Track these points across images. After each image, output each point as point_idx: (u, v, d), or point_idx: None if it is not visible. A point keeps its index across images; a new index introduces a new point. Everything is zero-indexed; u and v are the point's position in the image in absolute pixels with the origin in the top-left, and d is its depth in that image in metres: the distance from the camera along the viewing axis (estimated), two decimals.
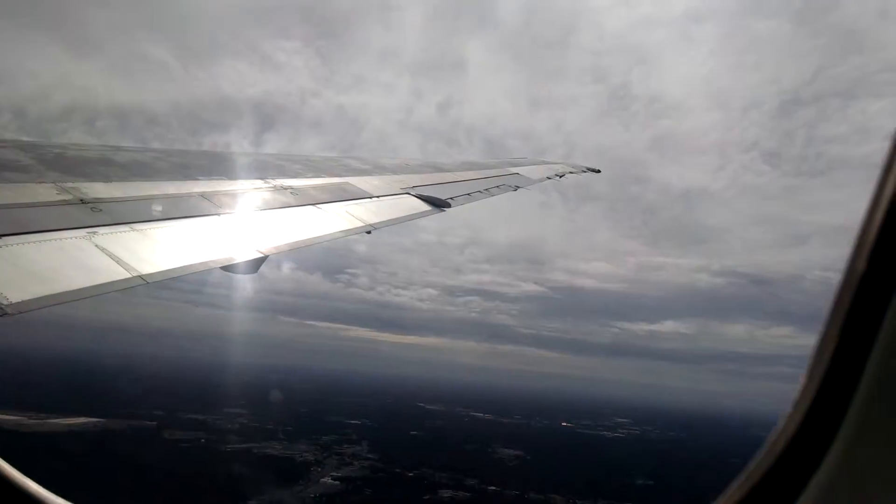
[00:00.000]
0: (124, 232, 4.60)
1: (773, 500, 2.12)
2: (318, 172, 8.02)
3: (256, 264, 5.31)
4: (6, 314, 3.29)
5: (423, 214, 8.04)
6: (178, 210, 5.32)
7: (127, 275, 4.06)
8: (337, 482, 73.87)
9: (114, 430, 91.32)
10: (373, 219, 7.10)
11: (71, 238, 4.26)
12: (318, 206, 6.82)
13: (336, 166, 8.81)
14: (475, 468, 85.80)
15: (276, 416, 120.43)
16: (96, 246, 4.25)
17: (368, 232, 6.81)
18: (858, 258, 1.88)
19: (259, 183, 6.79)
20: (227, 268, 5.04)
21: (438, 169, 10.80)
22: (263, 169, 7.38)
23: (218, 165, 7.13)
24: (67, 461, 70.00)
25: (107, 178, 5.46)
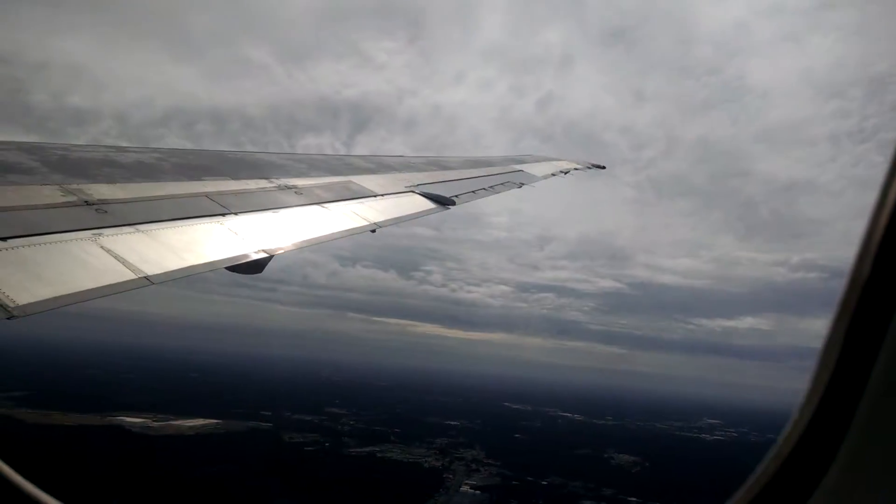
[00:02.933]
0: (129, 233, 4.59)
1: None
2: (322, 171, 7.99)
3: (262, 264, 5.27)
4: (13, 316, 3.28)
5: (427, 212, 8.07)
6: (182, 211, 5.28)
7: (132, 276, 4.05)
8: (478, 492, 72.83)
9: (237, 433, 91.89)
10: (378, 217, 7.11)
11: (76, 240, 4.25)
12: (322, 205, 6.81)
13: (340, 165, 8.75)
14: (603, 477, 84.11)
15: (376, 417, 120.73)
16: (101, 247, 4.24)
17: (373, 231, 6.80)
18: (863, 262, 1.93)
19: (263, 183, 6.75)
20: (233, 268, 4.97)
21: (443, 167, 10.69)
22: (268, 168, 7.34)
23: (222, 165, 7.02)
24: (226, 467, 70.68)
25: (111, 180, 5.40)
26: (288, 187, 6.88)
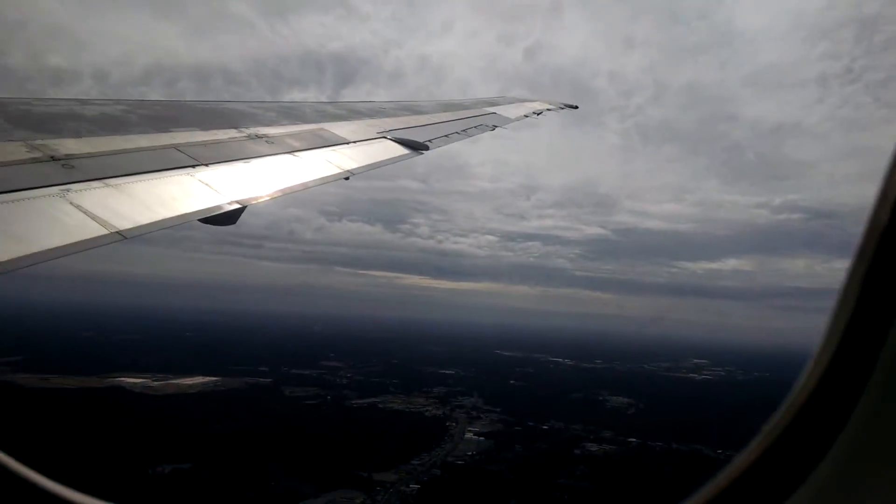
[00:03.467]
0: (98, 188, 4.53)
1: (766, 492, 2.03)
2: (293, 119, 7.90)
3: (235, 215, 5.25)
4: None
5: (401, 158, 8.05)
6: (152, 163, 5.20)
7: (104, 231, 4.02)
8: (482, 438, 74.37)
9: (238, 389, 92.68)
10: (350, 164, 7.07)
11: (44, 196, 4.17)
12: (294, 153, 6.75)
13: (311, 112, 8.67)
14: (601, 419, 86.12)
15: (373, 369, 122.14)
16: (71, 203, 4.18)
17: (347, 178, 6.79)
18: (864, 255, 1.87)
19: (233, 132, 6.67)
20: (206, 220, 4.96)
21: (415, 111, 10.61)
22: (238, 118, 7.25)
23: (190, 116, 6.92)
24: (234, 423, 71.45)
25: (77, 134, 5.30)
26: (258, 136, 6.82)
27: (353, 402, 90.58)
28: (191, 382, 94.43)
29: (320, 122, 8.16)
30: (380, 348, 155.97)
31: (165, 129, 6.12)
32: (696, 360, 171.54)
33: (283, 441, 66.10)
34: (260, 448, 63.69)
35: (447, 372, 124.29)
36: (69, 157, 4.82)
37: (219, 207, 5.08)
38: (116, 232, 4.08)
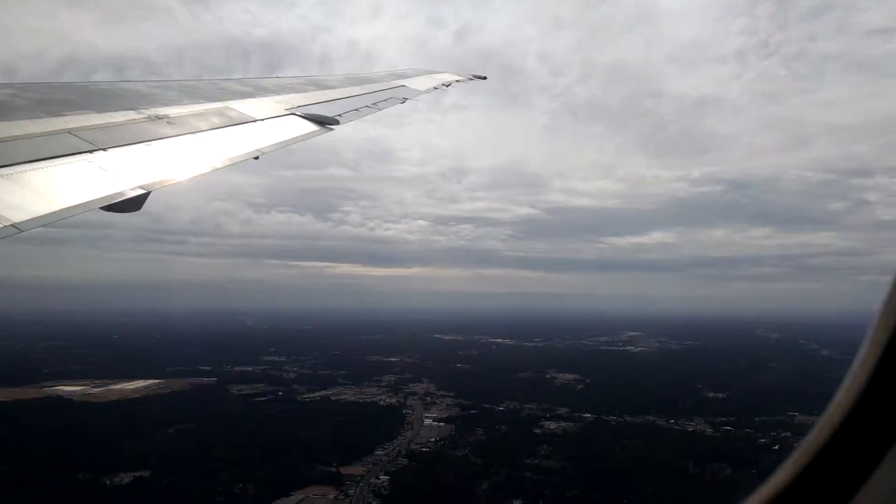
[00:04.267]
0: None
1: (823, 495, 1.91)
2: (195, 98, 7.65)
3: (139, 201, 5.10)
4: None
5: (311, 135, 7.86)
6: (45, 150, 4.95)
7: None
8: (441, 423, 74.50)
9: (183, 391, 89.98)
10: (259, 144, 6.89)
11: None
12: (199, 134, 6.56)
13: (215, 90, 8.42)
14: (552, 396, 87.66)
15: (317, 361, 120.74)
16: None
17: (256, 158, 6.64)
18: None
19: (131, 114, 6.40)
20: (109, 207, 4.82)
21: (322, 86, 10.52)
22: (135, 99, 6.97)
23: (85, 98, 6.63)
24: (186, 426, 69.17)
25: None
26: (159, 117, 6.53)
27: (304, 395, 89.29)
28: (133, 387, 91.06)
29: (225, 100, 7.86)
30: (319, 340, 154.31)
31: (58, 113, 5.73)
32: (630, 333, 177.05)
33: (240, 441, 64.56)
34: (219, 450, 62.02)
35: (392, 360, 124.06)
36: None
37: (121, 194, 4.82)
38: (12, 225, 3.82)
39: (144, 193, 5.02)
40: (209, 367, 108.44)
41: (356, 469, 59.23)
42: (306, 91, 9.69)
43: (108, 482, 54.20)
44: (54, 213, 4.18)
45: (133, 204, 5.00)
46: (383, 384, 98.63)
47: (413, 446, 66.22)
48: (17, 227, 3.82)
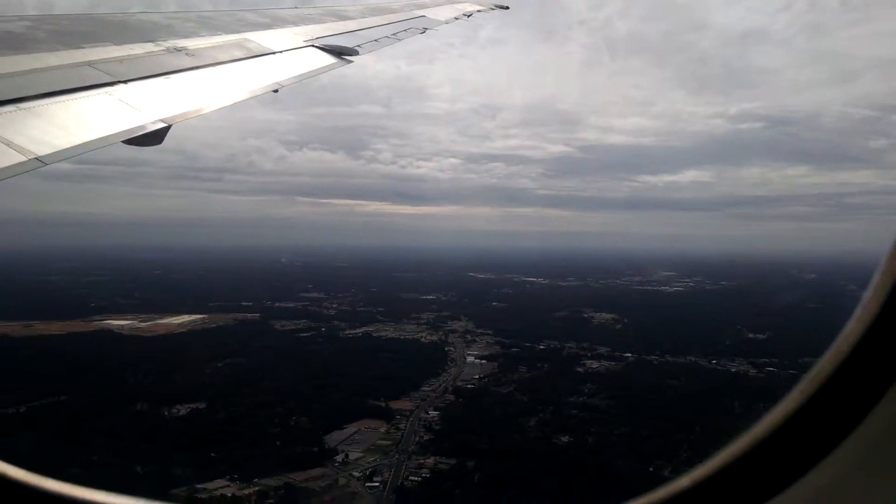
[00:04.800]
0: (10, 111, 4.30)
1: (756, 485, 1.95)
2: (213, 30, 7.52)
3: (160, 135, 5.11)
4: None
5: (330, 67, 7.83)
6: (66, 82, 4.92)
7: (22, 158, 3.84)
8: (484, 361, 75.42)
9: (228, 326, 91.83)
10: (278, 77, 6.87)
11: None
12: (218, 67, 6.48)
13: (233, 21, 8.30)
14: (591, 335, 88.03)
15: (355, 298, 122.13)
16: None
17: (275, 91, 6.63)
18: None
19: (150, 46, 6.31)
20: (130, 140, 4.83)
21: (342, 17, 10.35)
22: (154, 30, 6.86)
23: (103, 30, 6.49)
24: (235, 360, 70.97)
25: None
26: (178, 50, 6.46)
27: (346, 332, 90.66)
28: (179, 321, 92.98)
29: (243, 31, 7.76)
30: (354, 277, 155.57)
31: (77, 46, 5.69)
32: (663, 273, 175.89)
33: (289, 375, 66.08)
34: (269, 384, 63.62)
35: (428, 297, 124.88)
36: None
37: (142, 127, 4.84)
38: (36, 158, 3.87)
39: (165, 127, 5.03)
40: (250, 303, 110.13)
41: (404, 404, 60.48)
42: (325, 22, 9.61)
43: (166, 413, 55.99)
44: (77, 146, 4.23)
45: (154, 137, 5.03)
46: (422, 321, 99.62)
47: (458, 383, 67.34)
48: (41, 161, 3.87)
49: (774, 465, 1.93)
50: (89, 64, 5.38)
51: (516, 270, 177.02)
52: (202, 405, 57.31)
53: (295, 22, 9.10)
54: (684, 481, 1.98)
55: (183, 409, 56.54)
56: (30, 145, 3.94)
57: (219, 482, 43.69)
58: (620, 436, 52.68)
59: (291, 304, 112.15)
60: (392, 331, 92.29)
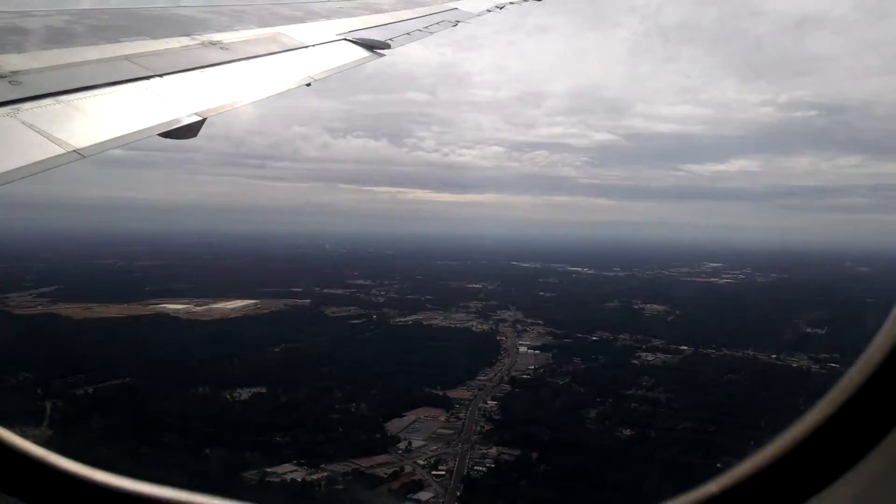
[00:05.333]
0: (50, 105, 4.34)
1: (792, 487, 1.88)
2: (247, 24, 7.68)
3: (194, 128, 5.11)
4: None
5: (363, 61, 7.93)
6: (103, 76, 4.99)
7: (60, 150, 3.88)
8: (537, 351, 75.12)
9: (280, 311, 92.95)
10: (311, 70, 6.92)
11: None
12: (252, 60, 6.56)
13: (266, 15, 8.45)
14: (644, 327, 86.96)
15: (402, 286, 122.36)
16: (22, 123, 4.03)
17: (308, 84, 6.65)
18: None
19: (185, 40, 6.40)
20: (166, 133, 4.86)
21: (374, 10, 10.44)
22: (189, 24, 6.97)
23: (139, 24, 6.69)
24: (290, 345, 71.86)
25: (21, 49, 5.05)
26: (212, 43, 6.54)
27: (397, 319, 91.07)
28: (232, 306, 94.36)
29: (276, 25, 7.92)
30: (399, 264, 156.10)
31: (114, 40, 5.81)
32: (711, 264, 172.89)
33: (344, 362, 66.54)
34: (327, 370, 64.23)
35: (475, 286, 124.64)
36: (15, 73, 4.54)
37: (178, 120, 4.93)
38: (74, 151, 3.95)
39: (200, 120, 5.09)
40: (300, 289, 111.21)
41: (462, 393, 60.50)
42: (358, 15, 9.68)
43: (228, 396, 56.86)
44: (114, 139, 4.31)
45: (189, 131, 5.08)
46: (471, 310, 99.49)
47: (513, 373, 67.15)
48: (79, 153, 3.94)
49: (801, 474, 1.86)
50: (126, 58, 5.49)
51: (560, 260, 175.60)
52: (263, 389, 58.07)
53: (328, 16, 9.26)
54: (712, 487, 1.91)
55: (244, 394, 57.37)
56: (69, 138, 4.02)
57: (286, 466, 44.29)
58: (684, 431, 52.03)
59: (340, 291, 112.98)
60: (442, 319, 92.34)
